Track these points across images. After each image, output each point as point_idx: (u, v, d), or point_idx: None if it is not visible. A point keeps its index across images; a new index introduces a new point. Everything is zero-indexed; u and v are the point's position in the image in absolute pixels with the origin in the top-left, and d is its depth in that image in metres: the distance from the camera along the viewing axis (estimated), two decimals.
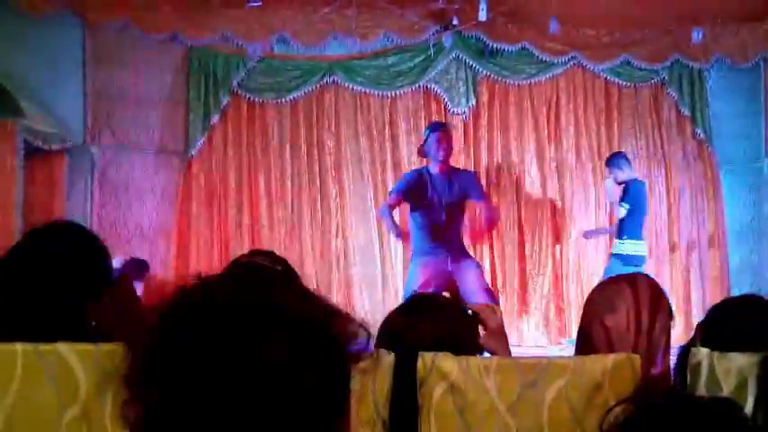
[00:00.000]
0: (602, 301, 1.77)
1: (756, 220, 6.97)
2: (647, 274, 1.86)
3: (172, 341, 0.73)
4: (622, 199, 6.02)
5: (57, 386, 1.33)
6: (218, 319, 0.73)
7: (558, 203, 6.84)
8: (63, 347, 1.35)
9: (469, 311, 1.79)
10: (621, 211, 5.97)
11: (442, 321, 1.68)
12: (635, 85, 6.98)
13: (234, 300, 0.75)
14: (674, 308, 1.87)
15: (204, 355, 0.71)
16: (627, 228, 5.96)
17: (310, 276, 6.39)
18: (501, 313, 1.91)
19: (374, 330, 1.74)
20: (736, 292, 6.60)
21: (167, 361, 0.72)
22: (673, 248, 6.90)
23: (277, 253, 2.31)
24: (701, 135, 6.93)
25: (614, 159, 6.17)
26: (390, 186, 6.64)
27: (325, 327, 0.77)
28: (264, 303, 0.75)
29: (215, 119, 6.39)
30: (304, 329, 0.75)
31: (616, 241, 6.05)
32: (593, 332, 1.73)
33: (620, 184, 6.12)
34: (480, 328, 1.80)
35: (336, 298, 6.41)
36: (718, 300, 1.90)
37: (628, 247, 5.97)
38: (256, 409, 0.71)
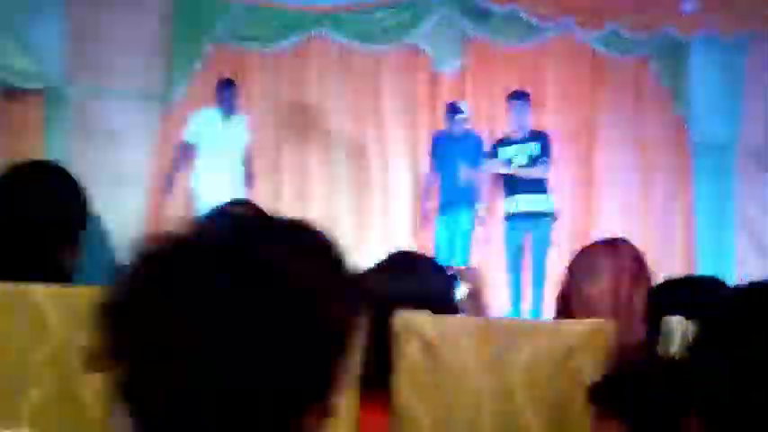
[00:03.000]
0: (582, 267, 1.78)
1: (725, 201, 7.06)
2: (628, 242, 1.86)
3: (135, 284, 0.71)
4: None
5: (27, 326, 1.32)
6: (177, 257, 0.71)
7: None
8: (35, 287, 1.33)
9: (450, 272, 1.79)
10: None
11: (419, 279, 1.68)
12: (620, 57, 6.96)
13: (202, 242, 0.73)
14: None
15: (161, 295, 0.69)
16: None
17: None
18: (480, 275, 1.92)
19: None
20: (701, 270, 6.72)
21: (135, 304, 0.70)
22: (642, 225, 6.96)
23: (255, 203, 2.30)
24: (679, 111, 6.96)
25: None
26: (372, 142, 6.62)
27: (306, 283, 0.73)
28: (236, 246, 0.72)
29: (197, 66, 6.27)
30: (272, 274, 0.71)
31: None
32: (572, 299, 1.75)
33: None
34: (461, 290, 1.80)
35: None
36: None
37: None
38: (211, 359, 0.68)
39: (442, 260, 5.65)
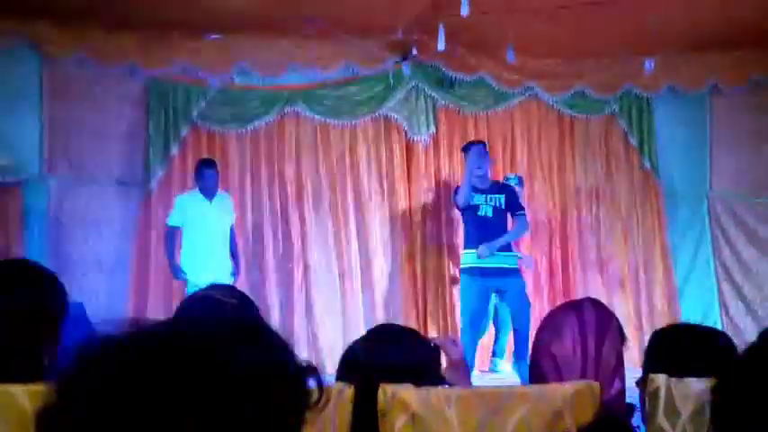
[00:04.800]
0: (548, 330, 1.80)
1: (702, 249, 7.13)
2: (593, 299, 1.89)
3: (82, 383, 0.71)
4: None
5: (8, 428, 1.30)
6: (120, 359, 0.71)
7: None
8: (15, 389, 1.32)
9: (432, 344, 1.79)
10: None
11: (404, 351, 1.68)
12: (587, 117, 7.13)
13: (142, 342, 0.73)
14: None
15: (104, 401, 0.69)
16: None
17: (272, 305, 6.33)
18: (462, 346, 1.94)
19: (337, 359, 1.74)
20: (685, 319, 6.74)
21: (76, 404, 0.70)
22: (621, 280, 7.00)
23: (237, 285, 2.30)
24: (648, 166, 7.10)
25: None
26: (351, 213, 6.66)
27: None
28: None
29: (174, 150, 6.31)
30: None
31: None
32: (542, 361, 1.76)
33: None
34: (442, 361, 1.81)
35: (299, 326, 6.35)
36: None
37: None
38: None
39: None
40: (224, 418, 0.70)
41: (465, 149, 6.04)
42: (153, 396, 0.69)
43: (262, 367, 0.74)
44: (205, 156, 6.25)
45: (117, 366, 0.71)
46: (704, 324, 1.90)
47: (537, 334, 1.83)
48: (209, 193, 5.85)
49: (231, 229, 6.00)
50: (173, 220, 5.84)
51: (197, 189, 5.88)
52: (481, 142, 6.13)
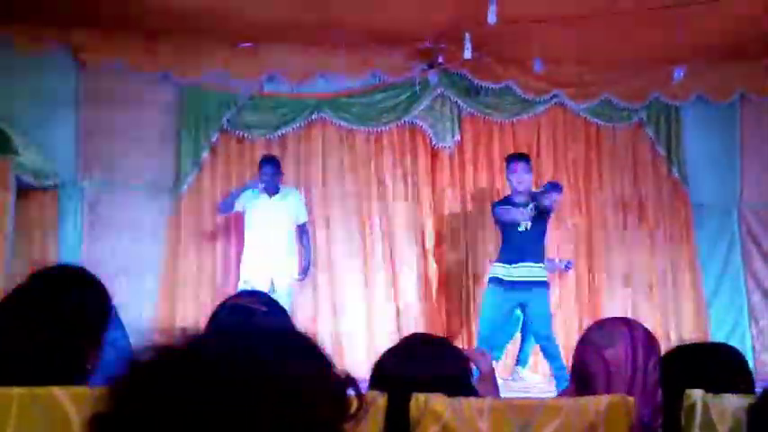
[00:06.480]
0: (600, 336, 1.84)
1: (732, 260, 7.03)
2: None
3: (145, 405, 0.72)
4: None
5: (51, 429, 1.33)
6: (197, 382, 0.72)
7: None
8: (58, 391, 1.35)
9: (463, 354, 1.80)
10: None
11: (436, 361, 1.69)
12: (613, 125, 7.08)
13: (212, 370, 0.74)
14: None
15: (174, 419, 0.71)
16: None
17: (296, 309, 6.35)
18: (491, 358, 1.96)
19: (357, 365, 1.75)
20: (713, 330, 6.64)
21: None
22: (649, 290, 6.92)
23: (264, 293, 2.32)
24: (676, 175, 7.03)
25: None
26: (375, 219, 6.68)
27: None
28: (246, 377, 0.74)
29: (205, 155, 6.40)
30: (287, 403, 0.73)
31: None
32: (592, 364, 1.79)
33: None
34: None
35: (322, 329, 6.36)
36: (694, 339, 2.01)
37: None
38: None
39: None
40: (274, 428, 0.72)
41: (508, 161, 5.87)
42: (208, 407, 0.71)
43: (309, 379, 0.76)
44: (235, 161, 6.36)
45: (173, 377, 0.73)
46: (733, 335, 1.94)
47: (586, 336, 1.87)
48: (268, 189, 5.89)
49: (302, 227, 6.01)
50: (235, 206, 5.94)
51: (259, 185, 5.92)
52: (523, 156, 5.92)
